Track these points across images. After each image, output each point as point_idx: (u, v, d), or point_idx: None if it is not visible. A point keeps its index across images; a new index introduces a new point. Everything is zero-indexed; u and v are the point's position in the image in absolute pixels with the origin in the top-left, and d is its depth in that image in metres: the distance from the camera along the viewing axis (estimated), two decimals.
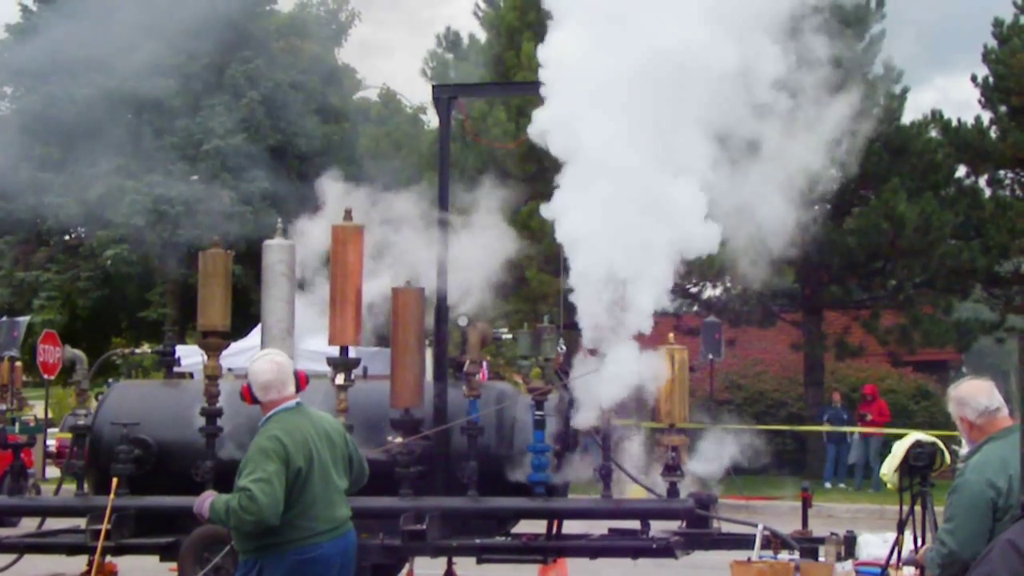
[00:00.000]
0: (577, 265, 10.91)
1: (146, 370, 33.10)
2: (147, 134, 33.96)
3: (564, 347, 11.93)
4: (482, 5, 30.64)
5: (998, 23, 29.43)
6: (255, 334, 16.10)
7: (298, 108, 37.08)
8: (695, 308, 31.50)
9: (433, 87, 13.30)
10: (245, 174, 34.89)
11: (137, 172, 34.02)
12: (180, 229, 33.81)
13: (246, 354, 17.47)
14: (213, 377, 11.30)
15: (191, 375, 14.62)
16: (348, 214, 11.45)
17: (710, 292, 30.69)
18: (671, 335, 11.78)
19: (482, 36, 29.78)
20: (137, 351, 17.63)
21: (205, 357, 11.49)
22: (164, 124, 34.75)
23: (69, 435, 12.64)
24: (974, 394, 6.99)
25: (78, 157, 34.08)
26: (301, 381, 7.99)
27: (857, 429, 27.63)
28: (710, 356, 26.71)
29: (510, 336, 13.27)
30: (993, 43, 29.44)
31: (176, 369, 13.36)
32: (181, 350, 14.10)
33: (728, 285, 29.92)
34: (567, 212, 10.92)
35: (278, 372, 7.83)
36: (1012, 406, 7.05)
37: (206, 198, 34.46)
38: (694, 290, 30.36)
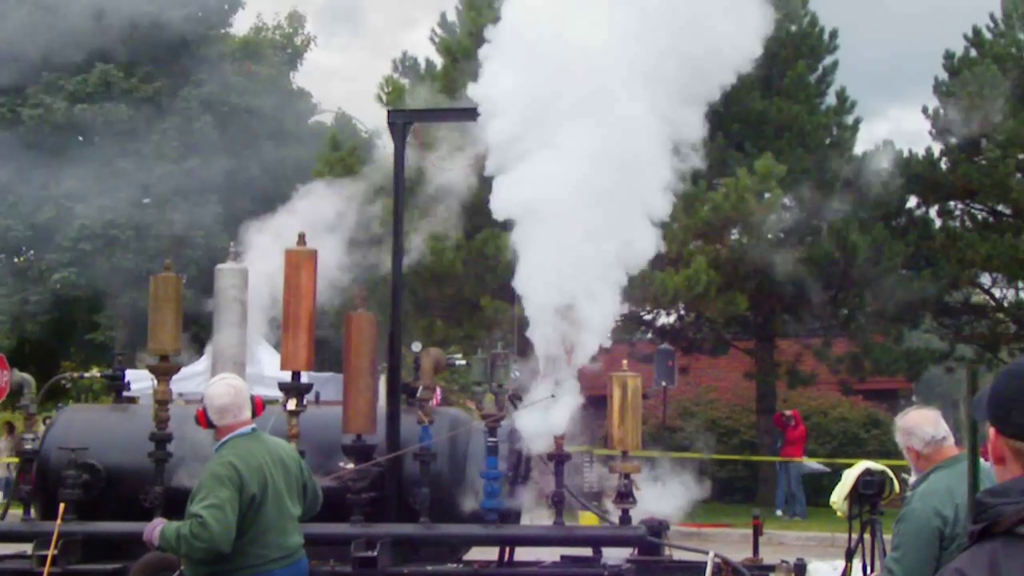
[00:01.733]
0: (526, 284, 10.95)
1: (96, 394, 32.85)
2: (98, 157, 33.75)
3: (518, 373, 11.92)
4: (439, 31, 30.69)
5: (949, 56, 29.74)
6: (205, 359, 16.00)
7: (252, 132, 36.98)
8: (649, 335, 31.58)
9: (388, 112, 13.32)
10: (198, 198, 34.75)
11: (88, 196, 33.81)
12: (131, 253, 33.63)
13: (196, 379, 17.38)
14: (163, 402, 11.24)
15: (138, 399, 14.51)
16: (302, 238, 11.43)
17: (664, 319, 30.79)
18: (624, 362, 11.79)
19: (439, 62, 29.82)
20: (86, 375, 17.51)
21: (155, 382, 11.42)
22: (116, 147, 34.55)
23: (16, 459, 12.52)
24: (920, 424, 7.03)
25: (28, 179, 33.85)
26: (257, 406, 7.94)
27: (811, 460, 27.68)
28: (663, 383, 26.77)
29: (464, 362, 13.27)
30: (944, 75, 29.74)
31: (125, 394, 13.25)
32: (131, 374, 14.01)
33: (682, 312, 30.03)
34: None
35: (235, 396, 7.77)
36: (960, 435, 7.09)
37: (157, 222, 34.30)
38: (648, 317, 30.44)
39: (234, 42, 40.19)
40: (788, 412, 27.95)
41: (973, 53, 29.46)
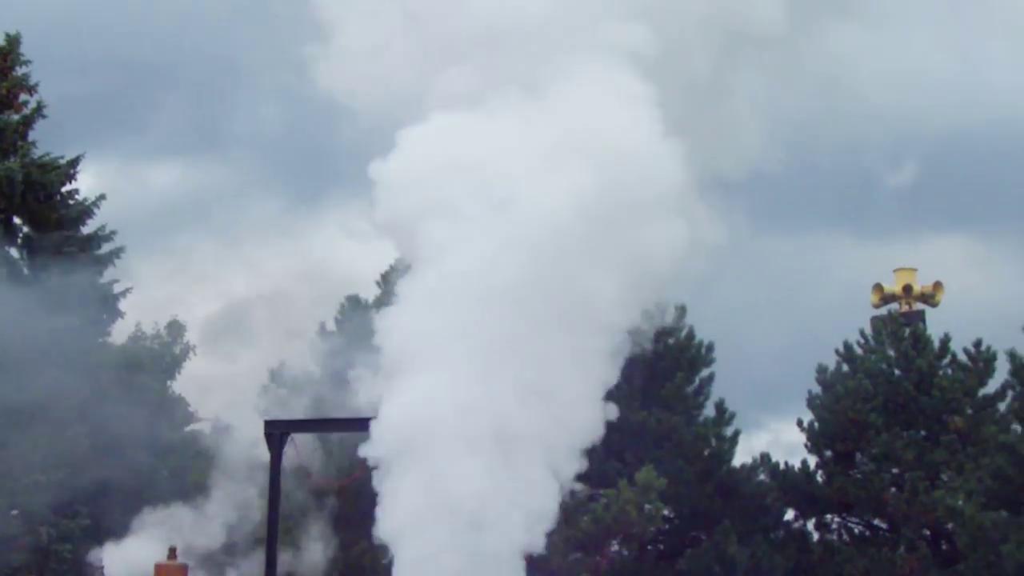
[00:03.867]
0: None
1: None
2: None
3: None
4: (316, 340, 30.81)
5: (822, 369, 30.41)
6: None
7: (126, 442, 36.34)
8: None
9: (265, 422, 13.21)
10: (66, 509, 33.80)
11: None
12: None
13: None
14: None
15: None
16: (172, 552, 11.08)
17: None
18: None
19: (316, 371, 29.79)
20: None
21: None
22: None
23: None
24: None
25: None
26: None
27: None
28: None
29: None
30: (817, 389, 30.32)
31: None
32: None
33: None
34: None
35: None
36: None
37: (24, 534, 33.22)
38: None
39: (111, 351, 39.89)
40: None
41: (845, 368, 30.15)
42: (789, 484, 29.54)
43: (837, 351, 30.67)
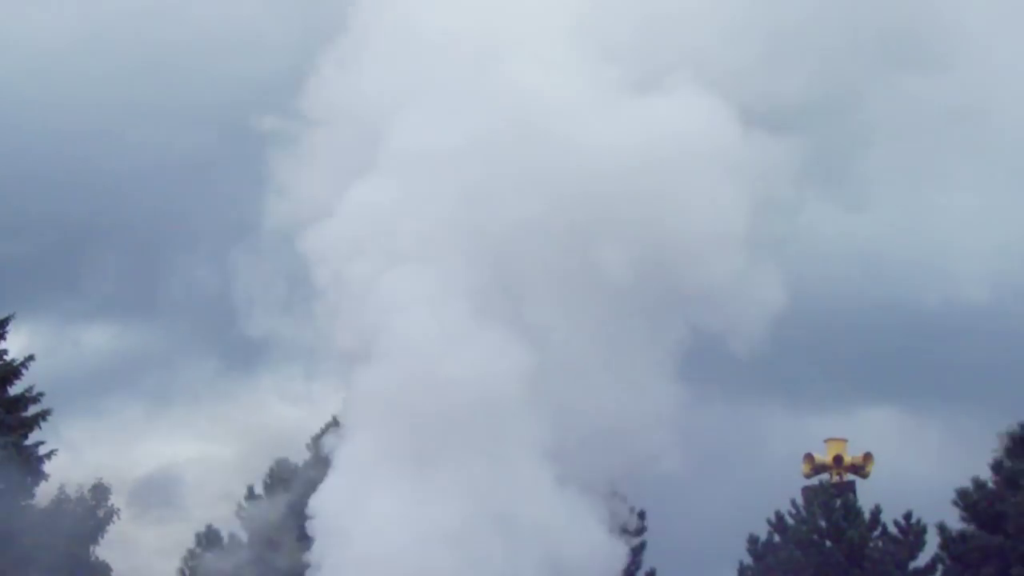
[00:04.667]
0: None
1: None
2: None
3: None
4: (244, 504, 30.49)
5: (753, 540, 30.28)
6: None
7: None
8: None
9: None
10: None
11: None
12: None
13: None
14: None
15: None
16: None
17: None
18: None
19: (243, 535, 29.42)
20: None
21: None
22: None
23: None
24: None
25: None
26: None
27: None
28: None
29: None
30: (749, 560, 30.17)
31: None
32: None
33: None
34: None
35: None
36: None
37: None
38: None
39: (34, 514, 39.13)
40: None
41: (777, 538, 30.05)
42: None
43: (769, 521, 30.63)
